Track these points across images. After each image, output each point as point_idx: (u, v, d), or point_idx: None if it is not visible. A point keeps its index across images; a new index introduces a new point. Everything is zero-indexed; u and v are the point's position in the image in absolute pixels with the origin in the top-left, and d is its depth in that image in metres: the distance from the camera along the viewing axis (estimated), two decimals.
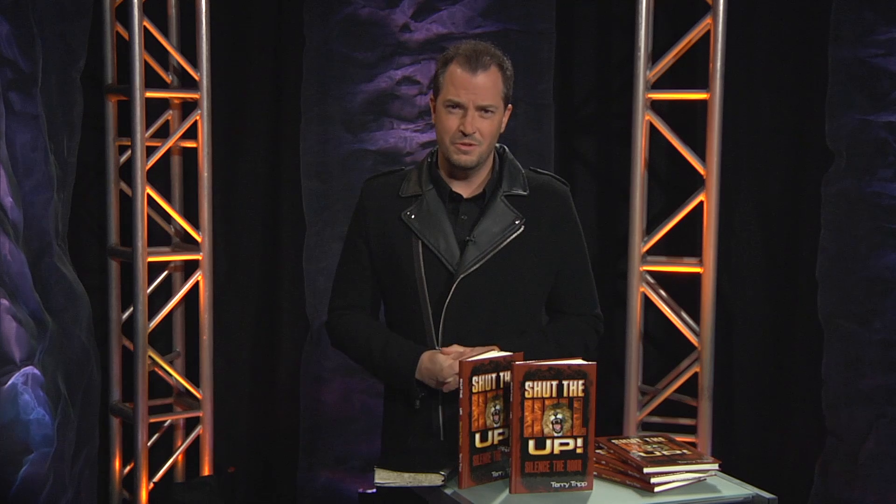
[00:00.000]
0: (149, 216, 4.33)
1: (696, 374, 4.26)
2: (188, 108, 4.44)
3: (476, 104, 2.72)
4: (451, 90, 2.73)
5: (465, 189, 2.83)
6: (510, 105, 2.83)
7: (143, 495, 4.31)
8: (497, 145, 2.88)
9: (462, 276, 2.76)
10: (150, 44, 4.28)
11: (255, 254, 4.80)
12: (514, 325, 2.82)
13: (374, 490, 3.08)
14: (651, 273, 4.36)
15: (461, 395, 2.48)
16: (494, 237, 2.79)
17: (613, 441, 2.65)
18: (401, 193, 2.85)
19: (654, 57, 4.25)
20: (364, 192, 2.91)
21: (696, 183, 4.26)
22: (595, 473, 2.54)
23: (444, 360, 2.71)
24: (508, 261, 2.79)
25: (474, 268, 2.77)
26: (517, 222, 2.80)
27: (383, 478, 2.55)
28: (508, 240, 2.79)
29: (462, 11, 4.64)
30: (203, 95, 4.34)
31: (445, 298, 2.77)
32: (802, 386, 4.48)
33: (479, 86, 2.72)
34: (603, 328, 3.00)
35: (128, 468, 4.48)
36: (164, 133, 4.49)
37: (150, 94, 4.24)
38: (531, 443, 2.48)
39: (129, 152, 4.28)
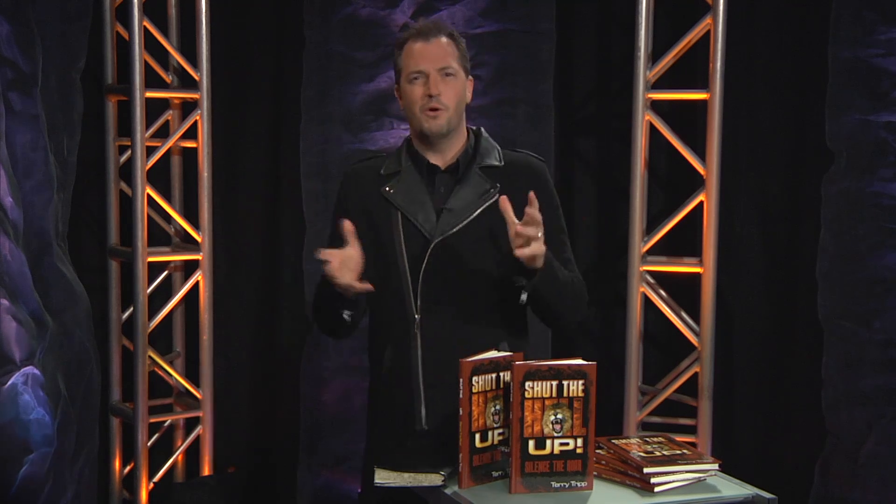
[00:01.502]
0: (149, 216, 4.33)
1: (696, 374, 4.26)
2: (188, 108, 4.44)
3: (436, 67, 2.83)
4: (411, 63, 2.85)
5: (440, 159, 2.91)
6: (471, 78, 2.92)
7: (143, 495, 4.31)
8: (473, 126, 2.96)
9: (437, 240, 2.82)
10: (150, 44, 4.28)
11: (255, 254, 4.80)
12: (491, 291, 2.84)
13: (360, 490, 3.08)
14: (651, 273, 4.36)
15: (461, 395, 2.48)
16: (470, 205, 2.85)
17: (613, 441, 2.65)
18: (382, 172, 2.93)
19: (654, 57, 4.25)
20: (345, 177, 3.00)
21: (696, 183, 4.26)
22: (595, 473, 2.54)
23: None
24: (484, 228, 2.84)
25: (450, 233, 2.83)
26: (492, 190, 2.86)
27: (383, 478, 2.55)
28: (483, 207, 2.85)
29: (462, 11, 4.63)
30: (203, 95, 4.34)
31: (422, 264, 2.82)
32: (802, 386, 4.48)
33: (435, 51, 2.84)
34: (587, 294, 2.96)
35: (128, 468, 4.48)
36: (164, 133, 4.48)
37: (150, 94, 4.24)
38: (531, 443, 2.48)
39: (129, 152, 4.28)
